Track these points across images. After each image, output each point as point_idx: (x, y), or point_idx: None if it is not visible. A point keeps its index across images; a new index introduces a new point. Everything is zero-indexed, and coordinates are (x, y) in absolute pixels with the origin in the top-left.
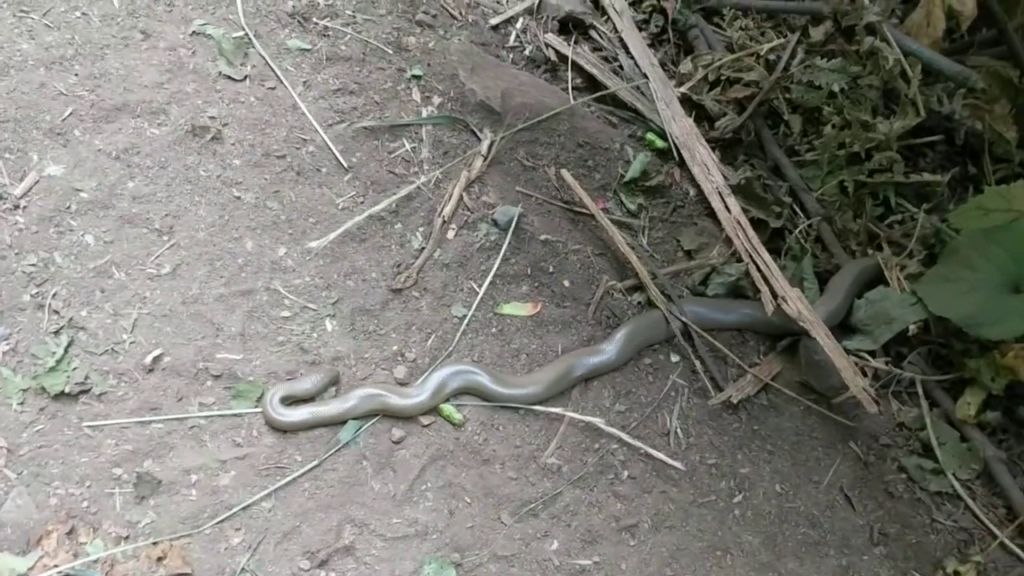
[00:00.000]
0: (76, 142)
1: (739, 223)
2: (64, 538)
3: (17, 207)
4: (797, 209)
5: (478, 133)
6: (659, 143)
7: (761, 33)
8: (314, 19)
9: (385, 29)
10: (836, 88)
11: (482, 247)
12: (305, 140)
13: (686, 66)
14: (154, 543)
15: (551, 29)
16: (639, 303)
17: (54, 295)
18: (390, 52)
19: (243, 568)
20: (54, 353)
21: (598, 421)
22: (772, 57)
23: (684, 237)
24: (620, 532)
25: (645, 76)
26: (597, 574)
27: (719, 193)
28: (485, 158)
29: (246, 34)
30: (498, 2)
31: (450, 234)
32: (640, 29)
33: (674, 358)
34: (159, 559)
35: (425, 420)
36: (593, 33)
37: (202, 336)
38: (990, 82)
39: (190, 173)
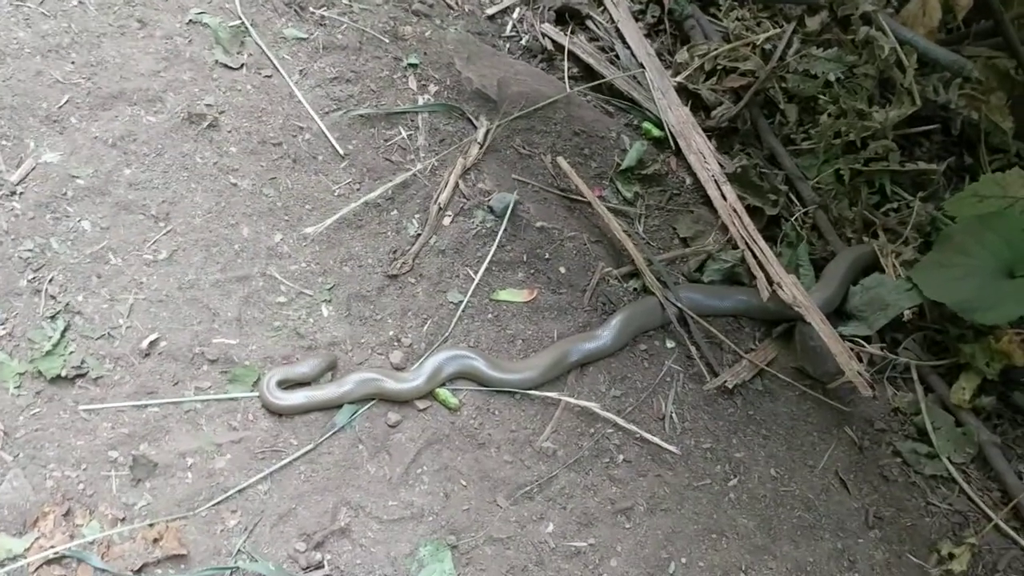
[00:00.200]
0: (72, 129)
1: (735, 210)
2: (61, 520)
3: (14, 193)
4: (793, 197)
5: (474, 121)
6: (655, 132)
7: (757, 23)
8: (310, 8)
9: (381, 18)
10: (832, 77)
11: (478, 234)
12: (301, 128)
13: (682, 56)
14: (150, 525)
15: (547, 19)
16: (635, 290)
17: (51, 280)
18: (386, 41)
19: (239, 550)
20: (50, 337)
21: (594, 406)
22: (768, 47)
23: (680, 225)
24: (615, 515)
25: (641, 65)
26: (592, 556)
27: (715, 181)
28: (481, 146)
29: (242, 23)
30: None
31: (446, 221)
32: (636, 19)
33: (670, 344)
34: (155, 540)
35: (421, 404)
36: (589, 23)
37: (198, 321)
38: (987, 73)
39: (186, 160)
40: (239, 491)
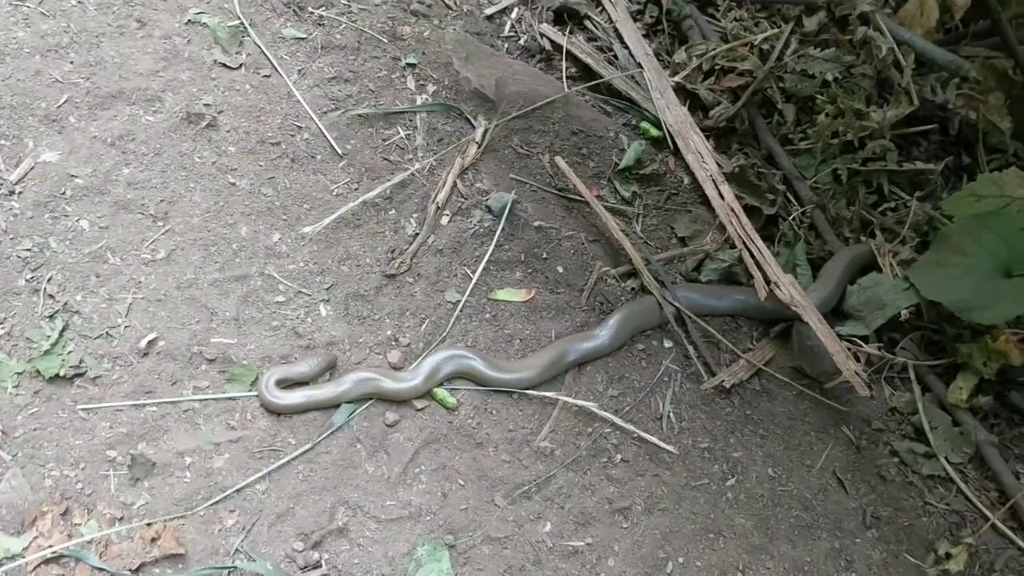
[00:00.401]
0: (71, 129)
1: (733, 210)
2: (59, 519)
3: (12, 193)
4: (791, 197)
5: (472, 121)
6: (653, 132)
7: (755, 23)
8: (309, 8)
9: (380, 18)
10: (830, 77)
11: (476, 233)
12: (300, 127)
13: (680, 56)
14: (148, 524)
15: (546, 19)
16: (632, 289)
17: (49, 280)
18: (385, 41)
19: (237, 549)
20: (49, 337)
21: (591, 405)
22: (766, 47)
23: (678, 224)
24: (613, 514)
25: (640, 65)
26: (590, 556)
27: (713, 181)
28: (479, 145)
29: (241, 23)
30: None
31: (444, 220)
32: (635, 19)
33: (667, 343)
34: (153, 540)
35: (419, 404)
36: (588, 23)
37: (197, 320)
38: (984, 73)
39: (185, 160)
40: (237, 490)
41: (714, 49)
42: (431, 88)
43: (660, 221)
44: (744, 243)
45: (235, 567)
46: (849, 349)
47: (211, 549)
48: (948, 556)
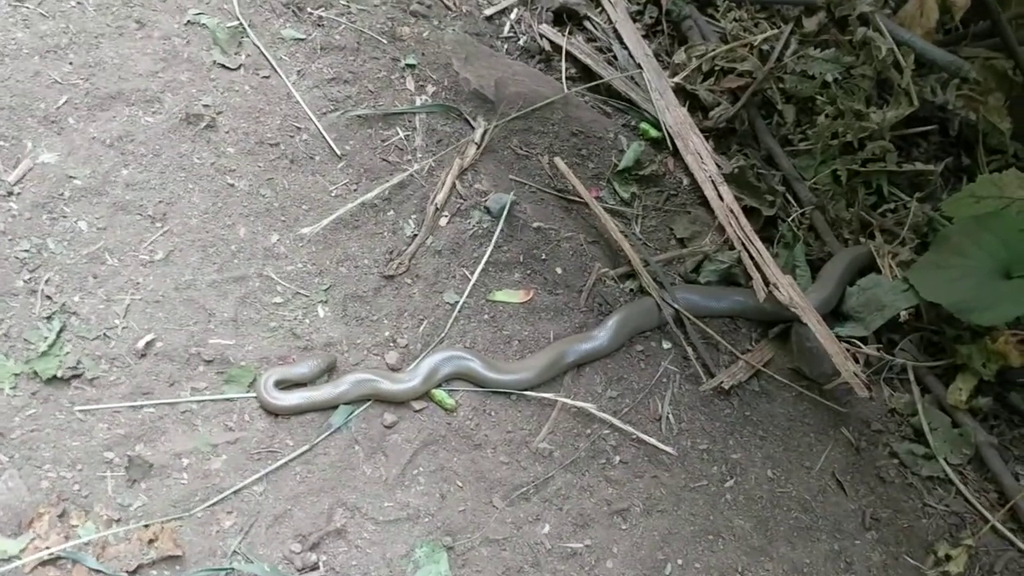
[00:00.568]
0: (70, 130)
1: (732, 211)
2: (56, 520)
3: (11, 194)
4: (790, 198)
5: (471, 122)
6: (653, 132)
7: (755, 24)
8: (308, 9)
9: (379, 19)
10: (829, 78)
11: (475, 234)
12: (299, 128)
13: (680, 56)
14: (145, 526)
15: (545, 20)
16: (631, 290)
17: (47, 281)
18: (384, 42)
19: (234, 551)
20: (46, 338)
21: (590, 407)
22: (766, 47)
23: (677, 225)
24: (612, 516)
25: (639, 66)
26: (588, 557)
27: (712, 182)
28: (478, 146)
29: (240, 23)
30: None
31: (443, 221)
32: (634, 20)
33: (666, 345)
34: (150, 541)
35: (417, 405)
36: (587, 24)
37: (194, 322)
38: (984, 74)
39: (184, 161)
40: (235, 492)
41: (714, 50)
42: (430, 89)
43: (659, 222)
44: (743, 244)
45: (233, 569)
46: (848, 350)
47: (209, 551)
48: (948, 558)
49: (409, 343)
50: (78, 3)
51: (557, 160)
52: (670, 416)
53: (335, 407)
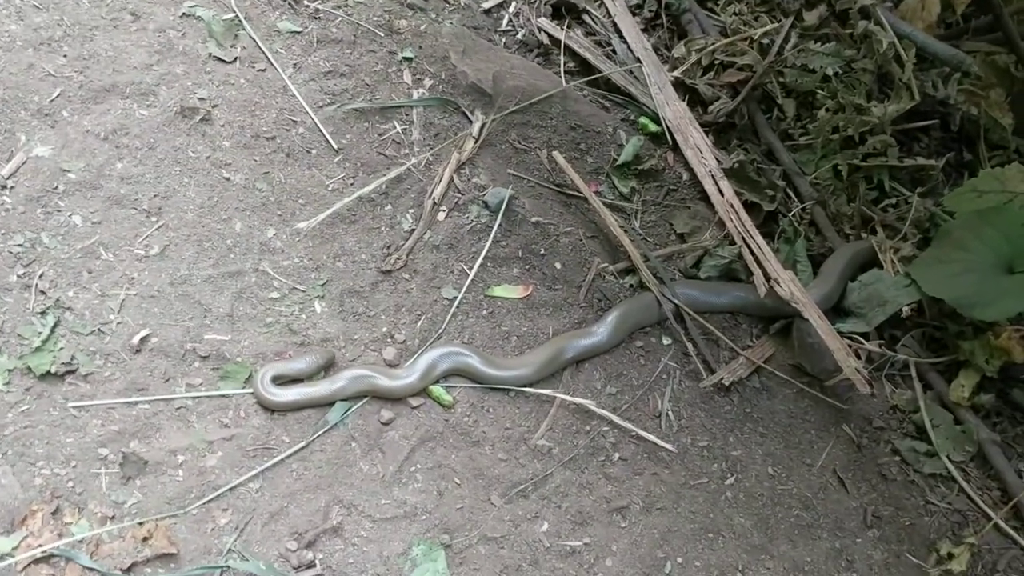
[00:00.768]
0: (64, 123)
1: (732, 206)
2: (49, 518)
3: (4, 187)
4: (791, 193)
5: (469, 115)
6: (652, 127)
7: (755, 17)
8: (305, 1)
9: (376, 12)
10: (830, 72)
11: (473, 229)
12: (295, 122)
13: (679, 50)
14: (140, 523)
15: (544, 13)
16: (631, 286)
17: (41, 275)
18: (381, 35)
19: (230, 548)
20: (40, 333)
21: (589, 403)
22: (766, 41)
23: (677, 220)
24: (611, 514)
25: (638, 60)
26: (587, 556)
27: (712, 176)
28: (476, 140)
29: (236, 16)
30: None
31: (440, 216)
32: (633, 13)
33: (666, 340)
34: (145, 539)
35: (414, 402)
36: (586, 17)
37: (190, 317)
38: (986, 69)
39: (179, 154)
40: (230, 489)
41: (713, 44)
42: (428, 82)
43: (659, 217)
44: (743, 239)
45: (228, 567)
46: (850, 346)
47: (204, 548)
48: (950, 556)
49: (407, 339)
50: None
51: (556, 154)
52: (670, 413)
53: (332, 403)
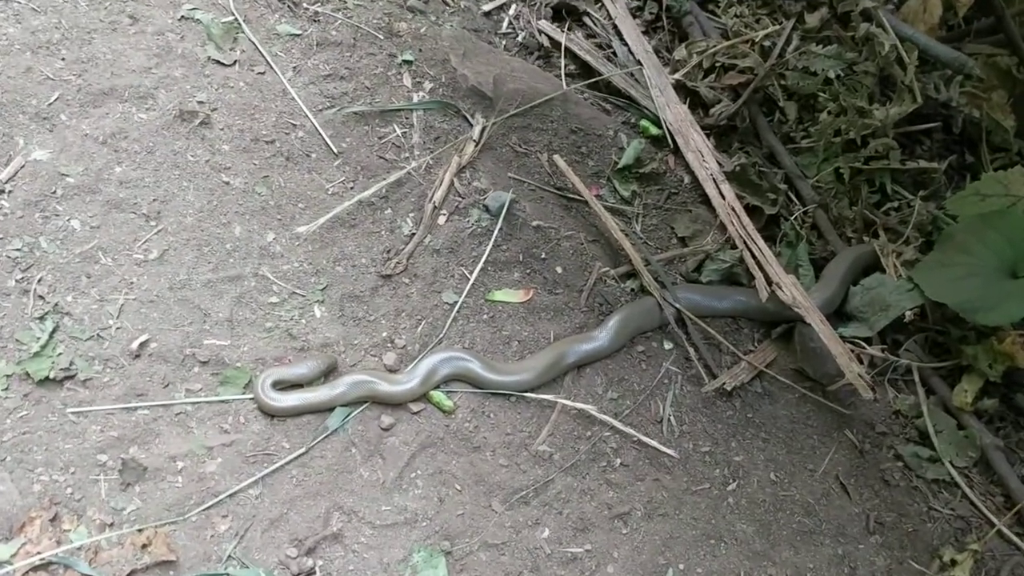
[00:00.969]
0: (62, 127)
1: (733, 210)
2: (48, 525)
3: (2, 192)
4: (792, 196)
5: (470, 118)
6: (653, 130)
7: (756, 19)
8: (304, 4)
9: (376, 14)
10: (832, 74)
11: (473, 233)
12: (295, 125)
13: (680, 53)
14: (139, 530)
15: (544, 16)
16: (632, 290)
17: (39, 280)
18: (381, 37)
19: (229, 555)
20: (39, 339)
21: (590, 408)
22: (767, 43)
23: (678, 224)
24: (612, 520)
25: (639, 63)
26: (588, 562)
27: (713, 180)
28: (476, 143)
29: (235, 19)
30: None
31: (441, 220)
32: (634, 16)
33: (667, 345)
34: (144, 546)
35: (415, 407)
36: (587, 20)
37: (189, 322)
38: (987, 72)
39: (178, 158)
40: (230, 495)
41: (715, 46)
42: (428, 85)
43: (660, 221)
44: (745, 243)
45: (228, 574)
46: (852, 351)
47: (203, 555)
48: (953, 563)
49: (407, 344)
50: None
51: (556, 158)
52: (671, 418)
53: (332, 409)
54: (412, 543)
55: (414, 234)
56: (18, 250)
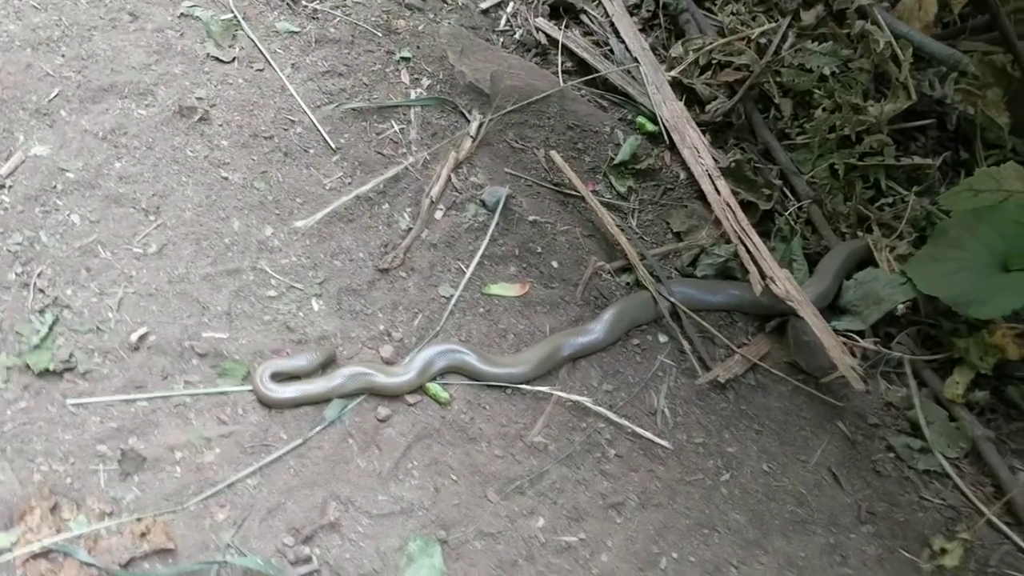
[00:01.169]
0: (62, 122)
1: (728, 205)
2: (48, 514)
3: (3, 186)
4: (787, 192)
5: (467, 115)
6: (649, 126)
7: (752, 17)
8: (303, 1)
9: (374, 12)
10: (827, 71)
11: (470, 228)
12: (293, 121)
13: (677, 50)
14: (138, 519)
15: (542, 13)
16: (627, 284)
17: (39, 274)
18: (379, 34)
19: (227, 544)
20: (39, 331)
21: (585, 400)
22: (763, 41)
23: (674, 219)
24: (606, 509)
25: (636, 60)
26: (583, 551)
27: (709, 176)
28: (474, 139)
29: (235, 16)
30: None
31: (438, 215)
32: (631, 13)
33: (662, 338)
34: (143, 535)
35: (411, 399)
36: (584, 17)
37: (188, 315)
38: (983, 69)
39: (177, 154)
40: (228, 485)
41: (711, 43)
42: (425, 82)
43: (656, 216)
44: (740, 238)
45: (226, 562)
46: (845, 344)
47: (201, 544)
48: (943, 551)
49: (404, 337)
50: None
51: (553, 154)
52: (666, 410)
53: (329, 400)
54: (408, 532)
55: (411, 229)
56: (18, 244)
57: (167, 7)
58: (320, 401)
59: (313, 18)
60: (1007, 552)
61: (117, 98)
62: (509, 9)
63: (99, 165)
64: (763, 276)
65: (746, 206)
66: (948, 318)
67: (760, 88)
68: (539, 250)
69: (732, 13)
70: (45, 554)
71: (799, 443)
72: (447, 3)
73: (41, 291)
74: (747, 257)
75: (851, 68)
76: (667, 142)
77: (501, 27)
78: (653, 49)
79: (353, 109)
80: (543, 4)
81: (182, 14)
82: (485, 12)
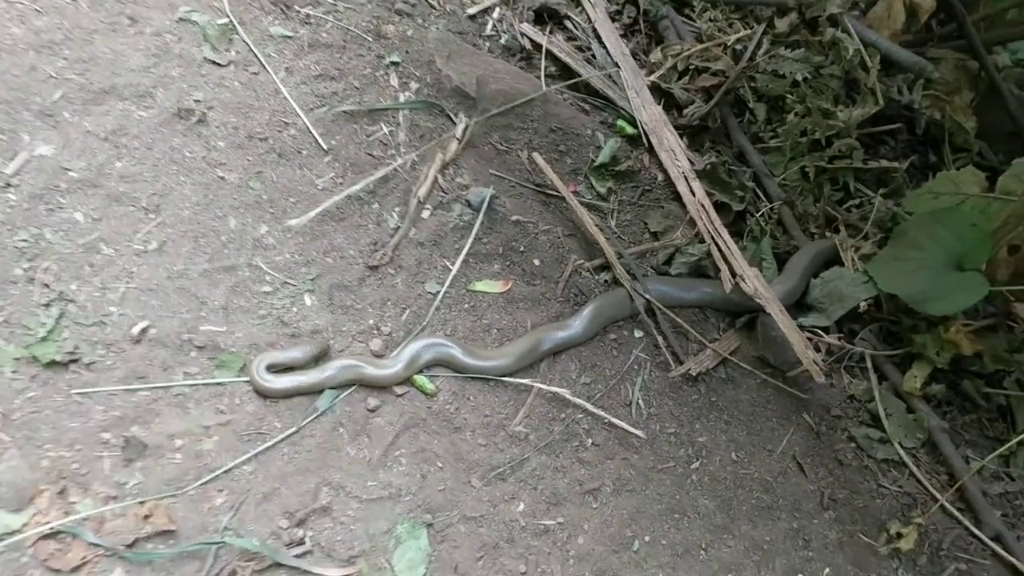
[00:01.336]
0: (66, 123)
1: (703, 206)
2: (56, 497)
3: (9, 185)
4: (760, 193)
5: (453, 117)
6: (629, 129)
7: (729, 24)
8: (296, 7)
9: (365, 17)
10: (799, 77)
11: (456, 227)
12: (287, 123)
13: (656, 56)
14: (141, 502)
15: (526, 19)
16: (606, 281)
17: (45, 269)
18: (370, 39)
19: (225, 526)
20: (45, 324)
21: (564, 392)
22: (739, 47)
23: (651, 219)
24: (583, 495)
25: (617, 65)
26: (560, 534)
27: (685, 177)
28: (460, 141)
29: (231, 21)
30: None
31: (425, 214)
32: (613, 20)
33: (638, 334)
34: (146, 517)
35: (399, 390)
36: (567, 23)
37: (187, 309)
38: (957, 74)
39: (176, 154)
40: (225, 471)
41: (689, 49)
42: (414, 86)
43: (634, 216)
44: (713, 238)
45: (224, 543)
46: (810, 339)
47: (201, 526)
48: (899, 535)
49: (392, 331)
50: (72, 0)
51: (536, 155)
52: (640, 401)
53: (321, 391)
54: (396, 516)
55: (399, 227)
56: (25, 241)
57: (165, 12)
58: (313, 392)
59: (306, 23)
60: (958, 536)
61: (118, 100)
62: (495, 15)
63: (101, 165)
64: (733, 274)
65: (720, 207)
66: (907, 315)
67: (735, 93)
68: (522, 248)
69: (710, 20)
70: (54, 535)
71: (766, 433)
72: (435, 9)
73: (47, 286)
74: (719, 256)
75: (822, 74)
76: (646, 145)
77: (487, 32)
78: (634, 54)
79: (344, 112)
80: (528, 10)
81: (180, 19)
82: (472, 18)
